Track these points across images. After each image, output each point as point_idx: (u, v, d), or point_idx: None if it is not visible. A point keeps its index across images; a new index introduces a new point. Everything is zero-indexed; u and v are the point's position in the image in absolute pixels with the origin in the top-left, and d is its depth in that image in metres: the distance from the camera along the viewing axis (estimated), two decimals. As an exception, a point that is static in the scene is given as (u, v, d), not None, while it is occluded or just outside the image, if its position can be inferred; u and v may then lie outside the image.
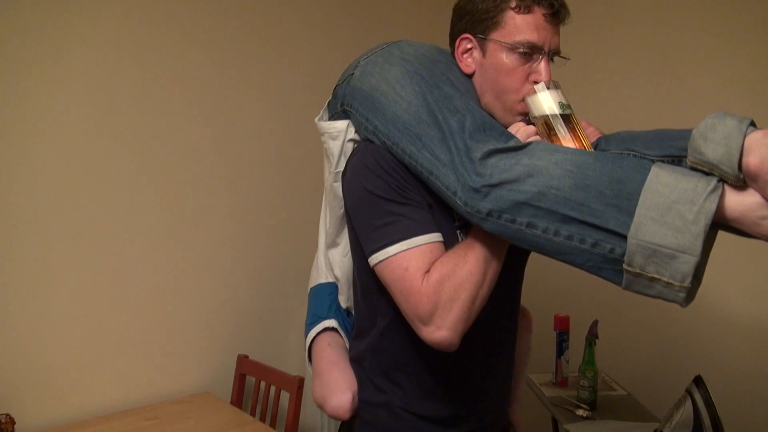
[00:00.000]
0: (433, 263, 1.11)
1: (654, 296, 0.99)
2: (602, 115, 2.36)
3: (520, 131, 1.16)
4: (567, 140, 1.13)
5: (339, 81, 1.31)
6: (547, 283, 2.45)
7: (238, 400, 2.32)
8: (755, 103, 2.04)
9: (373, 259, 1.15)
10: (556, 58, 1.22)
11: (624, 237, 0.97)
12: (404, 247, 1.12)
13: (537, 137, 1.15)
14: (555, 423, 2.13)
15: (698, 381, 1.55)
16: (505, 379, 1.37)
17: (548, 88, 1.16)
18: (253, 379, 2.32)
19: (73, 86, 2.05)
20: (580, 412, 2.02)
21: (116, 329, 2.17)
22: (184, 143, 2.30)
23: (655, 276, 0.96)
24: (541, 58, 1.17)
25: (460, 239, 1.19)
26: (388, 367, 1.27)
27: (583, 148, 1.12)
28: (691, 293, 0.96)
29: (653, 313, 2.34)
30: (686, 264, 0.93)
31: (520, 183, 1.03)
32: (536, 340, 2.37)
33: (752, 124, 0.95)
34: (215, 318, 2.40)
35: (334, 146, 1.28)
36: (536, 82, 1.17)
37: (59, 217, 2.04)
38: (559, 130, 1.14)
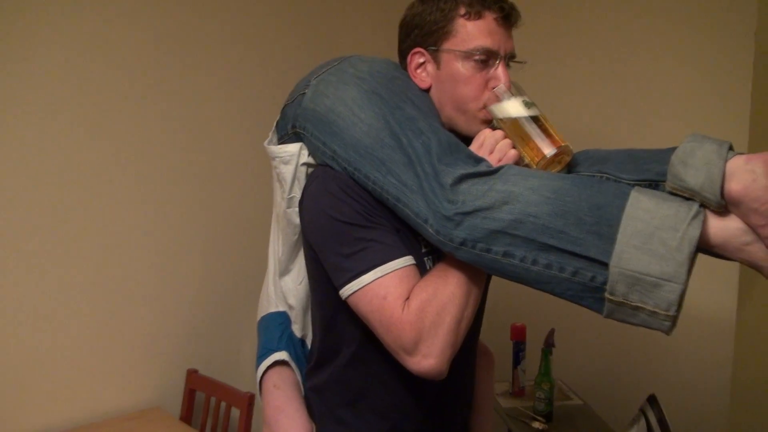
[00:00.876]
0: (411, 289, 1.05)
1: (637, 324, 0.96)
2: (567, 111, 2.35)
3: (487, 138, 1.12)
4: (540, 138, 1.10)
5: (288, 101, 1.24)
6: (503, 292, 2.41)
7: (187, 416, 2.25)
8: (715, 82, 2.04)
9: (346, 290, 1.08)
10: (512, 64, 1.18)
11: (605, 265, 0.94)
12: (379, 274, 1.05)
13: (507, 141, 1.11)
14: (512, 434, 2.11)
15: (651, 400, 1.53)
16: (465, 405, 1.33)
17: (509, 89, 1.13)
18: (203, 394, 2.25)
19: (54, 84, 1.98)
20: (536, 424, 2.00)
21: (59, 342, 2.07)
22: (130, 156, 2.21)
23: (639, 305, 0.93)
24: (498, 63, 1.14)
25: (428, 267, 1.14)
26: (352, 398, 1.21)
27: (558, 143, 1.09)
28: (675, 321, 0.94)
29: (611, 321, 2.33)
30: (671, 293, 0.91)
31: (495, 210, 0.98)
32: (493, 348, 2.36)
33: (731, 147, 0.94)
34: (163, 330, 2.31)
35: (286, 171, 1.21)
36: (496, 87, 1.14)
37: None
38: (529, 130, 1.11)
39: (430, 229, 1.03)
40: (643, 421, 1.51)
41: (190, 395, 2.27)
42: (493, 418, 1.43)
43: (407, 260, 1.08)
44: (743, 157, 0.92)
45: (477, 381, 1.37)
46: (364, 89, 1.12)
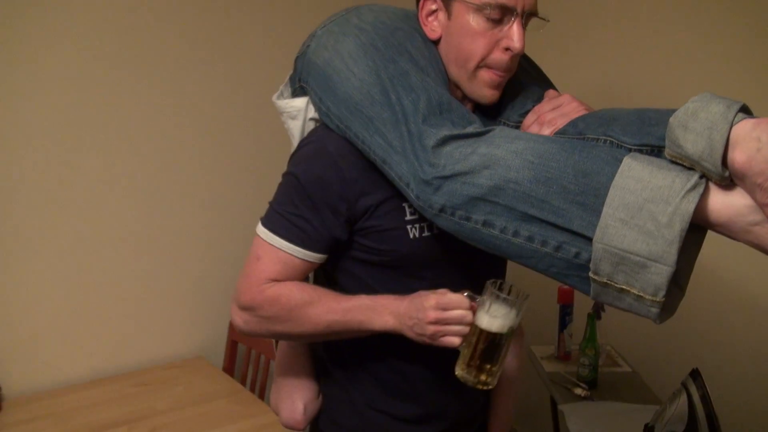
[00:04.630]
0: (282, 275, 1.07)
1: (625, 309, 0.87)
2: (588, 71, 2.20)
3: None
4: (480, 356, 1.00)
5: (299, 52, 1.17)
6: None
7: (230, 367, 2.28)
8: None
9: (257, 226, 1.11)
10: (533, 20, 1.06)
11: (590, 240, 0.84)
12: (274, 243, 1.06)
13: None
14: (554, 399, 2.05)
15: (695, 374, 1.43)
16: None
17: (492, 297, 0.98)
18: (245, 346, 2.27)
19: (50, 82, 1.97)
20: (578, 391, 1.93)
21: (105, 292, 2.13)
22: (168, 123, 2.21)
23: (624, 287, 0.84)
24: (513, 21, 1.02)
25: (411, 235, 1.08)
26: (344, 361, 1.19)
27: (478, 375, 1.00)
28: (668, 307, 0.84)
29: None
30: (659, 275, 0.80)
31: (475, 175, 0.90)
32: (540, 311, 2.28)
33: (744, 109, 0.80)
34: (207, 281, 2.34)
35: (294, 126, 1.16)
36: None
37: (40, 186, 1.98)
38: (482, 346, 1.00)
39: (411, 194, 0.97)
40: (684, 397, 1.41)
41: (232, 346, 2.29)
42: (516, 396, 1.35)
43: (303, 254, 1.07)
44: (752, 121, 0.77)
45: None
46: (361, 41, 1.04)
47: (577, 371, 2.00)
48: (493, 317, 0.97)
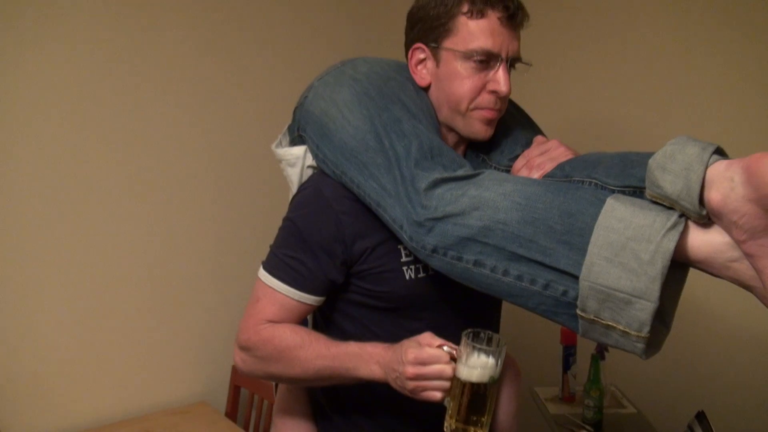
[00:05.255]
0: (278, 316, 1.10)
1: (612, 346, 0.90)
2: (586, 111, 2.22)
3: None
4: (470, 408, 1.01)
5: (297, 103, 1.23)
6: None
7: (232, 413, 2.27)
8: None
9: (259, 269, 1.15)
10: (518, 65, 1.13)
11: (577, 278, 0.87)
12: (274, 286, 1.11)
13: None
14: (559, 443, 2.03)
15: (700, 416, 1.43)
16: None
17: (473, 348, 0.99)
18: (248, 391, 2.26)
19: (52, 81, 1.97)
20: (583, 433, 1.92)
21: (108, 337, 2.13)
22: (177, 143, 2.23)
23: (611, 323, 0.87)
24: (499, 66, 1.08)
25: (407, 276, 1.11)
26: (342, 405, 1.21)
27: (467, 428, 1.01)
28: (653, 343, 0.87)
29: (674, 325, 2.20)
30: (643, 311, 0.83)
31: (465, 216, 0.94)
32: (543, 352, 2.28)
33: (719, 151, 0.84)
34: (211, 326, 2.34)
35: (293, 173, 1.21)
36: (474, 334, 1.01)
37: (48, 222, 1.99)
38: (466, 398, 1.00)
39: (405, 235, 1.00)
40: (690, 439, 1.41)
41: (235, 391, 2.29)
42: None
43: (300, 296, 1.11)
44: (725, 162, 0.82)
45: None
46: (356, 91, 1.09)
47: (582, 413, 1.99)
48: (472, 368, 0.98)
